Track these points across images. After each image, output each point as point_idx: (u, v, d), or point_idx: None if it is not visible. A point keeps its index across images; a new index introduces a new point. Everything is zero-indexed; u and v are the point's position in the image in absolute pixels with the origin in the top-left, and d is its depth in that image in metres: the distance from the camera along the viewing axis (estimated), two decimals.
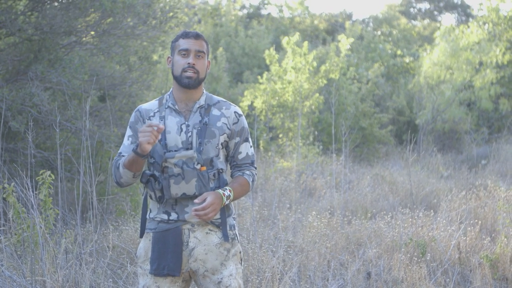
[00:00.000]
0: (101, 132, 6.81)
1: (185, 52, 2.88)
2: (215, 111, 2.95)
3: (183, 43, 2.89)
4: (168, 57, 2.97)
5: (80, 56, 6.67)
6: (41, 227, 4.39)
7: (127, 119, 7.98)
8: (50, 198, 4.84)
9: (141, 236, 2.99)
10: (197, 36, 2.90)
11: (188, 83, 2.88)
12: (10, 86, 6.60)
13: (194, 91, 2.93)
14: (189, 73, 2.87)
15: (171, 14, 7.69)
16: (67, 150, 6.72)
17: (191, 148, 2.87)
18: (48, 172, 4.85)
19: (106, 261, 4.82)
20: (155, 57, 8.35)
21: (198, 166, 2.83)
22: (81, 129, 6.41)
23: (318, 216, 6.50)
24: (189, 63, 2.86)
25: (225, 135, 2.94)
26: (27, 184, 4.61)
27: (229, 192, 2.87)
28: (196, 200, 2.78)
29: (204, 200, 2.78)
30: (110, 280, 4.61)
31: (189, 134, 2.89)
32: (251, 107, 13.53)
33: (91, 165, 5.26)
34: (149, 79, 8.30)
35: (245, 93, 12.91)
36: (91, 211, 5.33)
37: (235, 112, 2.98)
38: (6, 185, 4.76)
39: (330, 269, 5.27)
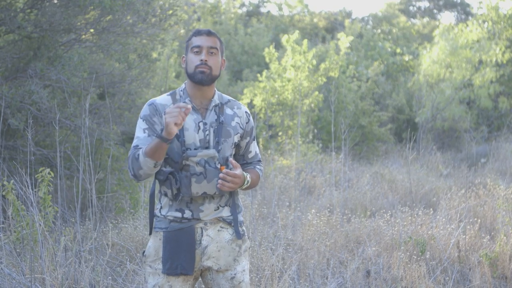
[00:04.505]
0: (101, 130, 6.81)
1: (198, 49, 2.86)
2: (228, 110, 2.96)
3: (195, 41, 2.88)
4: (183, 56, 2.95)
5: (79, 53, 6.65)
6: (40, 225, 4.39)
7: (127, 116, 7.98)
8: (50, 195, 4.83)
9: (150, 233, 2.96)
10: (209, 33, 2.89)
11: (201, 78, 2.84)
12: (10, 83, 6.59)
13: (208, 88, 2.92)
14: (202, 68, 2.84)
15: (170, 12, 7.69)
16: (66, 147, 6.72)
17: (208, 147, 2.86)
18: (48, 170, 4.84)
19: (106, 259, 4.82)
20: (154, 55, 8.33)
21: (219, 166, 2.83)
22: (80, 127, 6.41)
23: (318, 214, 6.50)
24: (201, 60, 2.84)
25: (238, 134, 2.95)
26: (27, 181, 4.61)
27: (249, 179, 2.89)
28: (231, 159, 2.81)
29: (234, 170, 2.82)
30: (109, 278, 4.61)
31: (207, 132, 2.87)
32: (251, 105, 13.52)
33: (91, 163, 5.26)
34: (148, 76, 8.30)
35: (245, 91, 12.91)
36: (90, 208, 5.33)
37: (246, 112, 3.02)
38: (5, 183, 4.75)
39: (329, 267, 5.27)
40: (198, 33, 2.90)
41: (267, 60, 12.94)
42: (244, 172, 2.87)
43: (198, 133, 2.86)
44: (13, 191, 4.74)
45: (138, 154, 2.74)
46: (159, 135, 2.65)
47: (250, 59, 19.86)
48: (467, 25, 16.23)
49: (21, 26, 6.48)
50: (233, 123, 2.94)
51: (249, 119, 3.02)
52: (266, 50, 12.91)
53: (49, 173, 4.83)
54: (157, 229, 2.91)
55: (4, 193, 4.75)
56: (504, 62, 15.38)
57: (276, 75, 12.55)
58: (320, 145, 12.27)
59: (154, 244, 2.91)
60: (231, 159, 2.81)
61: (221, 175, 2.76)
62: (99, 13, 6.98)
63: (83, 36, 7.20)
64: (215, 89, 2.99)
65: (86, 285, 4.32)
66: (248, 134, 3.01)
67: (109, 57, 7.50)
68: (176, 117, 2.58)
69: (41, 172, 4.84)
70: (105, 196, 6.60)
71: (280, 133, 12.31)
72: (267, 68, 15.15)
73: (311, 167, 10.16)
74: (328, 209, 7.20)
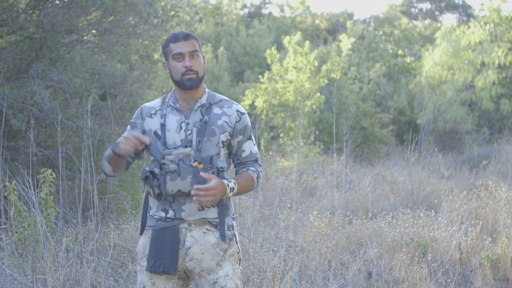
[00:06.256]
0: (102, 131, 6.80)
1: (179, 56, 2.88)
2: (216, 110, 2.95)
3: (175, 47, 2.89)
4: (164, 62, 2.97)
5: (81, 54, 6.66)
6: (42, 226, 4.39)
7: (128, 118, 7.97)
8: (51, 196, 4.83)
9: (141, 234, 3.01)
10: (186, 37, 2.90)
11: (191, 85, 2.89)
12: (12, 84, 6.60)
13: (195, 91, 2.94)
14: (189, 76, 2.88)
15: (172, 13, 7.69)
16: (68, 148, 6.72)
17: (190, 146, 2.87)
18: (49, 171, 4.84)
19: (107, 260, 4.82)
20: (156, 56, 8.33)
21: (195, 164, 2.83)
22: (82, 128, 6.41)
23: (319, 215, 6.50)
24: (186, 67, 2.87)
25: (226, 133, 2.93)
26: (28, 182, 4.61)
27: (233, 185, 2.86)
28: (202, 173, 2.78)
29: (209, 181, 2.78)
30: (111, 279, 4.61)
31: (189, 132, 2.89)
32: (252, 106, 13.52)
33: (92, 164, 5.26)
34: (150, 78, 8.29)
35: (246, 92, 12.91)
36: (92, 209, 5.33)
37: (237, 110, 2.98)
38: (7, 183, 4.75)
39: (331, 269, 5.27)
40: (175, 39, 2.90)
41: (268, 61, 12.93)
42: (224, 180, 2.83)
43: (179, 133, 2.89)
44: (15, 192, 4.74)
45: (105, 155, 2.93)
46: (112, 147, 2.83)
47: (251, 60, 19.85)
48: (469, 27, 16.22)
49: (23, 27, 6.48)
50: (220, 122, 2.92)
51: (241, 118, 2.97)
52: (268, 51, 12.91)
53: (51, 174, 4.83)
54: (147, 227, 2.97)
55: (6, 194, 4.75)
56: (507, 64, 15.37)
57: (277, 77, 12.54)
58: (322, 146, 12.25)
59: (143, 242, 2.98)
60: (201, 173, 2.79)
61: (192, 192, 2.76)
62: (101, 14, 6.98)
63: (85, 37, 7.21)
64: (206, 90, 3.00)
65: (87, 286, 4.32)
66: (240, 132, 2.97)
67: (111, 58, 7.51)
68: (130, 146, 2.77)
69: (43, 173, 4.84)
70: (107, 197, 6.60)
71: (281, 135, 12.30)
72: (269, 69, 15.16)
73: (313, 168, 10.15)
74: (330, 211, 7.20)
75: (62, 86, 6.66)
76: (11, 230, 4.98)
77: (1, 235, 4.90)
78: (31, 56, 6.77)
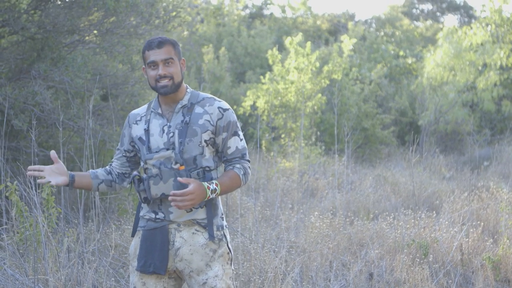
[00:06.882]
0: (104, 131, 6.81)
1: (153, 64, 2.88)
2: (198, 109, 2.93)
3: (149, 55, 2.88)
4: (143, 67, 2.96)
5: (83, 55, 6.66)
6: (43, 226, 4.39)
7: None
8: (53, 197, 4.83)
9: (132, 235, 3.02)
10: (160, 44, 2.87)
11: (165, 92, 2.88)
12: (13, 84, 6.60)
13: (175, 94, 2.92)
14: (163, 83, 2.87)
15: (174, 13, 7.69)
16: (69, 149, 6.72)
17: (173, 149, 2.87)
18: None
19: (108, 260, 4.82)
20: None
21: (176, 166, 2.83)
22: (83, 128, 6.41)
23: (320, 216, 6.49)
24: (159, 75, 2.86)
25: (208, 132, 2.90)
26: (30, 182, 4.62)
27: (215, 186, 2.83)
28: (179, 179, 2.77)
29: (187, 186, 2.78)
30: (112, 279, 4.61)
31: (171, 134, 2.89)
32: (254, 107, 13.52)
33: (94, 164, 5.26)
34: None
35: (248, 93, 12.92)
36: (93, 210, 5.33)
37: (219, 107, 2.93)
38: (9, 184, 4.75)
39: (332, 270, 5.27)
40: (149, 47, 2.89)
41: (270, 62, 12.95)
42: (204, 183, 2.80)
43: (162, 136, 2.90)
44: (16, 192, 4.74)
45: None
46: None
47: (253, 61, 19.87)
48: (471, 28, 16.22)
49: (25, 27, 6.49)
50: (201, 121, 2.90)
51: (223, 115, 2.92)
52: (269, 52, 12.92)
53: None
54: (139, 228, 2.99)
55: (7, 194, 4.75)
56: (509, 65, 15.36)
57: (279, 77, 12.55)
58: (323, 147, 12.26)
59: (135, 243, 3.00)
60: (179, 178, 2.78)
61: (170, 197, 2.75)
62: (103, 14, 6.98)
63: (87, 38, 7.21)
64: (188, 90, 2.98)
65: (89, 286, 4.32)
66: (224, 129, 2.92)
67: (113, 58, 7.51)
68: (42, 177, 3.04)
69: None
70: (108, 198, 6.60)
71: (283, 135, 12.30)
72: (270, 70, 15.16)
73: (314, 169, 10.15)
74: (331, 212, 7.19)
75: (63, 86, 6.67)
76: (12, 230, 4.98)
77: (3, 235, 4.90)
78: (33, 56, 6.77)
